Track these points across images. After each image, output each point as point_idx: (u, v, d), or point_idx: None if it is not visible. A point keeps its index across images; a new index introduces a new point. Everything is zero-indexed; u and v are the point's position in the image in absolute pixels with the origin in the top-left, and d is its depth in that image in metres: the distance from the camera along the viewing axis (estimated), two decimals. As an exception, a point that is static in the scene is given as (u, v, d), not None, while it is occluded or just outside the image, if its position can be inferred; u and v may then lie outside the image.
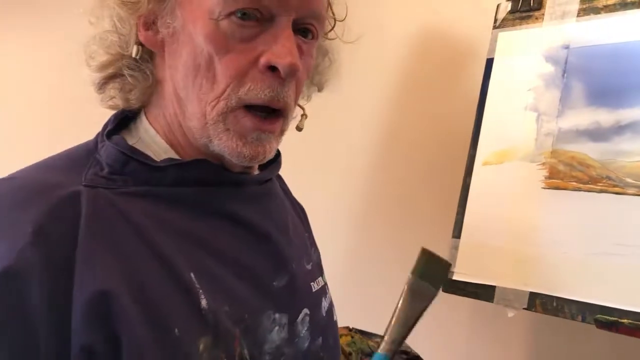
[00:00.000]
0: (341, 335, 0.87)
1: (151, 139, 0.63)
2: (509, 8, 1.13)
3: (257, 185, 0.68)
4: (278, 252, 0.66)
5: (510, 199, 1.03)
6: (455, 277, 1.06)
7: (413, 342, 1.09)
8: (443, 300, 1.16)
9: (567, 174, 0.98)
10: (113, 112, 0.67)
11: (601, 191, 0.93)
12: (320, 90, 0.75)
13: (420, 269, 0.65)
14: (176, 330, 0.53)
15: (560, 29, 1.05)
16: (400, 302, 0.62)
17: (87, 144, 0.64)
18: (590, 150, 0.96)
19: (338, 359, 0.75)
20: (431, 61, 1.24)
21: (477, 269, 1.04)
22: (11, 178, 0.57)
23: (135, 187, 0.59)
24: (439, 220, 1.19)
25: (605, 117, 0.96)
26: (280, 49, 0.56)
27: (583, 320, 0.91)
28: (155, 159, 0.61)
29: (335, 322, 0.77)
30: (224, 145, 0.59)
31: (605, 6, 1.01)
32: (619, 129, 0.94)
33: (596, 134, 0.96)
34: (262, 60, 0.57)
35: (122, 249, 0.54)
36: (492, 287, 1.01)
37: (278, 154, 0.73)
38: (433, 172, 1.31)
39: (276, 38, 0.57)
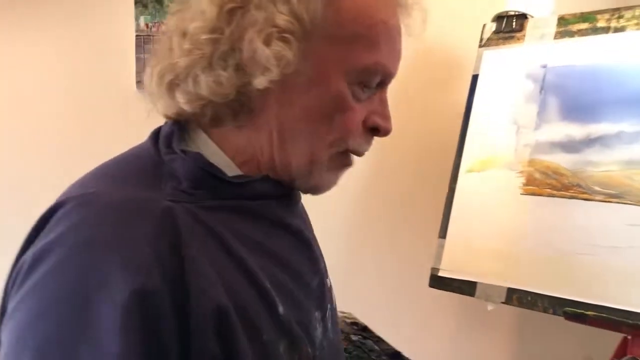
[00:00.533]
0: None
1: (212, 153, 0.63)
2: (493, 28, 1.24)
3: (297, 197, 0.73)
4: (314, 255, 0.71)
5: (491, 204, 1.14)
6: (440, 274, 1.16)
7: (404, 336, 1.20)
8: (432, 296, 1.28)
9: (542, 182, 1.08)
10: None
11: (572, 197, 1.04)
12: None
13: None
14: (264, 336, 0.57)
15: (539, 50, 1.16)
16: None
17: (144, 153, 0.63)
18: (563, 161, 1.07)
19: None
20: (422, 77, 1.35)
21: (461, 267, 1.14)
22: (95, 194, 0.57)
23: (212, 201, 0.60)
24: (427, 222, 1.29)
25: (577, 131, 1.07)
26: (385, 114, 0.65)
27: (554, 313, 1.01)
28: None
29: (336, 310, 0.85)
30: (320, 180, 0.66)
31: (579, 30, 1.12)
32: (589, 142, 1.05)
33: (568, 146, 1.07)
34: (371, 123, 0.65)
35: (217, 262, 0.55)
36: (474, 283, 1.11)
37: None
38: (422, 179, 1.42)
39: (381, 103, 0.65)
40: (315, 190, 0.68)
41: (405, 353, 0.97)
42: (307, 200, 1.01)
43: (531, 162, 1.11)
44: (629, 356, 0.95)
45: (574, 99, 1.09)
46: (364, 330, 1.01)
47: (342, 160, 0.66)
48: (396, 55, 0.65)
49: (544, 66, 1.14)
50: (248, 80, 0.59)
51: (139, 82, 1.57)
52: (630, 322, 0.92)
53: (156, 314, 0.50)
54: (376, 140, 0.67)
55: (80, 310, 0.49)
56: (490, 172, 1.16)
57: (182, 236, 0.53)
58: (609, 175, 1.01)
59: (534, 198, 1.09)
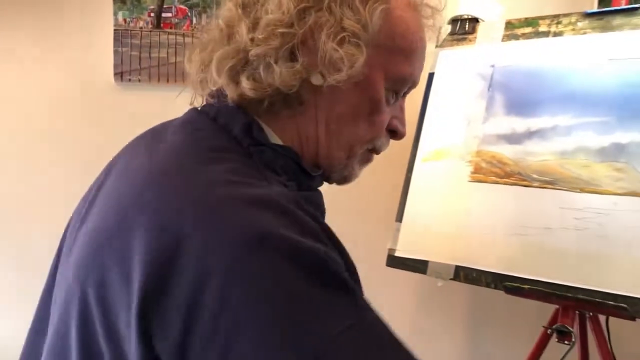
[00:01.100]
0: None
1: (277, 146, 0.68)
2: (448, 31, 1.35)
3: None
4: None
5: (443, 190, 1.25)
6: (397, 254, 1.27)
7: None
8: (391, 275, 1.38)
9: (488, 170, 1.20)
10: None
11: (513, 184, 1.15)
12: None
13: None
14: None
15: (489, 51, 1.27)
16: None
17: (226, 144, 0.64)
18: (506, 151, 1.18)
19: None
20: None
21: (415, 247, 1.25)
22: (254, 188, 0.58)
23: (300, 191, 0.66)
24: (385, 207, 1.39)
25: (519, 124, 1.18)
26: (403, 120, 0.75)
27: (495, 287, 1.12)
28: None
29: None
30: (352, 171, 0.74)
31: (523, 34, 1.24)
32: (529, 135, 1.17)
33: (512, 138, 1.19)
34: (392, 127, 0.73)
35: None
36: (426, 262, 1.22)
37: None
38: (382, 167, 1.52)
39: (401, 110, 0.75)
40: (346, 180, 0.76)
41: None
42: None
43: (479, 153, 1.22)
44: (559, 324, 1.07)
45: (518, 95, 1.21)
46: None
47: (367, 157, 0.75)
48: (422, 67, 0.74)
49: (492, 66, 1.26)
50: (309, 75, 0.64)
51: (117, 74, 1.65)
52: (560, 293, 1.04)
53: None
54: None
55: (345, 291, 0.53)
56: (443, 161, 1.27)
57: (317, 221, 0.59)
58: (545, 164, 1.13)
59: (480, 185, 1.20)
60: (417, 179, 1.30)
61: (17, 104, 1.74)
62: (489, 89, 1.25)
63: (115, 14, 1.64)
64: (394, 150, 1.37)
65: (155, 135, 0.71)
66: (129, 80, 1.65)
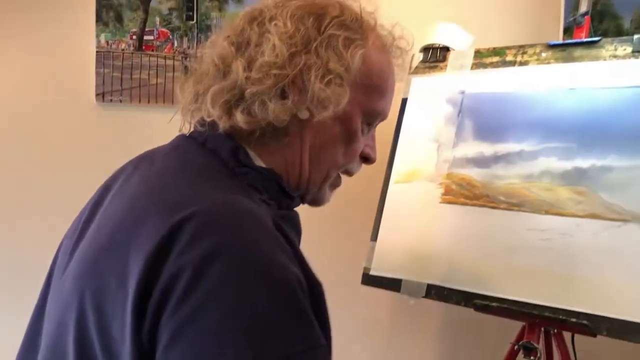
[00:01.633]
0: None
1: (261, 168, 0.74)
2: (420, 58, 1.41)
3: None
4: None
5: (416, 211, 1.29)
6: (372, 273, 1.31)
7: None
8: (366, 294, 1.42)
9: (458, 192, 1.25)
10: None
11: (482, 206, 1.21)
12: None
13: None
14: None
15: (458, 78, 1.33)
16: None
17: (214, 165, 0.70)
18: (475, 174, 1.24)
19: None
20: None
21: (389, 266, 1.29)
22: (228, 203, 0.62)
23: (280, 210, 0.72)
24: (361, 227, 1.43)
25: (487, 149, 1.24)
26: (374, 147, 0.84)
27: (465, 305, 1.16)
28: None
29: None
30: (324, 194, 0.82)
31: (491, 62, 1.30)
32: (496, 159, 1.22)
33: (480, 162, 1.24)
34: (365, 154, 0.82)
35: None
36: (399, 280, 1.26)
37: None
38: (358, 188, 1.56)
39: (372, 138, 0.83)
40: (317, 202, 0.83)
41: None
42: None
43: (449, 175, 1.27)
44: (525, 340, 1.12)
45: (486, 121, 1.27)
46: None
47: (337, 181, 0.83)
48: (391, 103, 0.83)
49: (462, 92, 1.32)
50: (298, 111, 0.71)
51: (99, 95, 1.68)
52: (525, 311, 1.09)
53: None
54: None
55: (292, 297, 0.57)
56: (415, 183, 1.32)
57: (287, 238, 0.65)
58: (512, 187, 1.18)
59: (450, 206, 1.25)
60: (391, 200, 1.34)
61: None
62: (458, 115, 1.30)
63: (97, 36, 1.68)
64: (370, 173, 1.42)
65: (146, 159, 0.76)
66: (110, 100, 1.68)
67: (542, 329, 1.16)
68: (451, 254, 1.21)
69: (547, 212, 1.13)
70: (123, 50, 1.68)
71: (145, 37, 1.67)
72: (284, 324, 0.56)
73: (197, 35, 1.64)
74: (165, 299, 0.55)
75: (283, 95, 0.70)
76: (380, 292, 1.33)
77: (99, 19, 1.66)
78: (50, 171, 1.70)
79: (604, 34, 1.57)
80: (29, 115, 1.72)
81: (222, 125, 0.71)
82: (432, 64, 1.38)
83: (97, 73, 1.68)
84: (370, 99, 0.77)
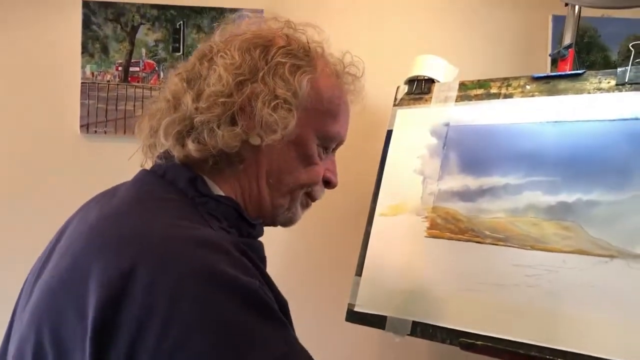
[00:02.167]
0: None
1: (218, 196, 0.76)
2: (405, 90, 1.40)
3: None
4: None
5: (401, 245, 1.27)
6: (356, 309, 1.28)
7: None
8: (352, 330, 1.38)
9: (444, 226, 1.22)
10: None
11: (467, 240, 1.18)
12: None
13: None
14: None
15: (443, 110, 1.32)
16: None
17: (173, 196, 0.72)
18: (460, 208, 1.22)
19: None
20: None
21: (374, 302, 1.26)
22: (195, 233, 0.65)
23: (241, 237, 0.74)
24: (345, 261, 1.41)
25: (472, 182, 1.22)
26: (335, 172, 0.87)
27: (451, 343, 1.14)
28: None
29: None
30: (295, 213, 0.85)
31: (476, 95, 1.29)
32: (481, 192, 1.20)
33: (465, 195, 1.22)
34: (326, 178, 0.85)
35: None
36: (384, 317, 1.23)
37: None
38: (342, 221, 1.55)
39: (332, 163, 0.87)
40: (290, 222, 0.86)
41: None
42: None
43: (434, 209, 1.25)
44: (511, 380, 1.08)
45: (471, 154, 1.25)
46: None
47: (306, 202, 0.86)
48: (347, 126, 0.86)
49: (447, 125, 1.30)
50: (248, 137, 0.74)
51: (83, 126, 1.66)
52: (511, 350, 1.06)
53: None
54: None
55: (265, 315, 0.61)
56: (400, 216, 1.29)
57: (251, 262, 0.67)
58: (497, 221, 1.16)
59: (436, 241, 1.22)
60: (376, 233, 1.32)
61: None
62: (443, 147, 1.29)
63: (83, 67, 1.67)
64: (355, 205, 1.40)
65: (107, 194, 0.78)
66: (95, 132, 1.66)
67: (530, 367, 1.13)
68: (437, 290, 1.18)
69: (532, 248, 1.11)
70: (109, 81, 1.67)
71: (131, 69, 1.67)
72: (265, 332, 0.60)
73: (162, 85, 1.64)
74: (137, 340, 0.56)
75: (232, 122, 0.73)
76: (365, 328, 1.30)
77: (84, 50, 1.66)
78: (33, 201, 1.67)
79: (592, 66, 1.57)
80: (12, 145, 1.70)
81: (177, 155, 0.74)
82: (417, 96, 1.38)
83: (82, 104, 1.66)
84: (323, 122, 0.81)
